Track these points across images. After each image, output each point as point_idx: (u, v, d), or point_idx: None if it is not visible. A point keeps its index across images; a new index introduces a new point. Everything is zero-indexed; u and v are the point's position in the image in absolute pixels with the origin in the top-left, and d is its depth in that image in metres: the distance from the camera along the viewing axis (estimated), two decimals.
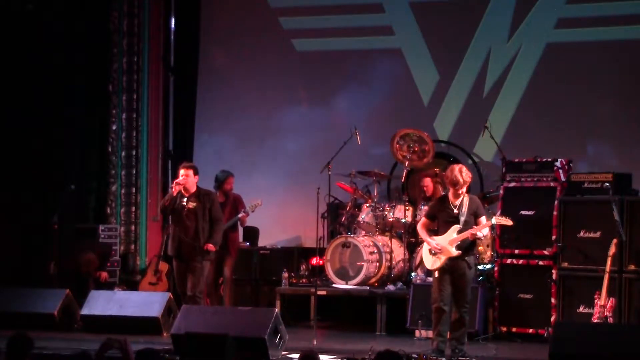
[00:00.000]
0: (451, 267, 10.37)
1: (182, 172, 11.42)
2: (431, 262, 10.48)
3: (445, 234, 10.40)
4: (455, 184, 10.34)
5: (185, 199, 11.29)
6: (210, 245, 11.33)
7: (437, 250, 10.37)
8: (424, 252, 10.66)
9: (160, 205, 11.70)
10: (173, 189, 11.33)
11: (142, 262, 15.28)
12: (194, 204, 11.28)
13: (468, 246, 10.40)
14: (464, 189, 10.41)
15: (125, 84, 15.44)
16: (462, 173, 10.33)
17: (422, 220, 10.87)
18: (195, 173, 11.47)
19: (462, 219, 10.34)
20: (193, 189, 11.37)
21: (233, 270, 12.97)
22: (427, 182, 13.15)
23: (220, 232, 11.56)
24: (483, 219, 10.47)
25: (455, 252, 10.31)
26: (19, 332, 7.38)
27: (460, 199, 10.40)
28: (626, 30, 13.54)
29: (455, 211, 10.38)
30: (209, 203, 11.37)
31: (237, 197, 12.91)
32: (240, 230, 13.83)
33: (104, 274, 13.73)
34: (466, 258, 10.37)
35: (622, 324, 11.05)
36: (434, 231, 10.65)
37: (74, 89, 15.19)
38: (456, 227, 10.34)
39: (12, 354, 7.14)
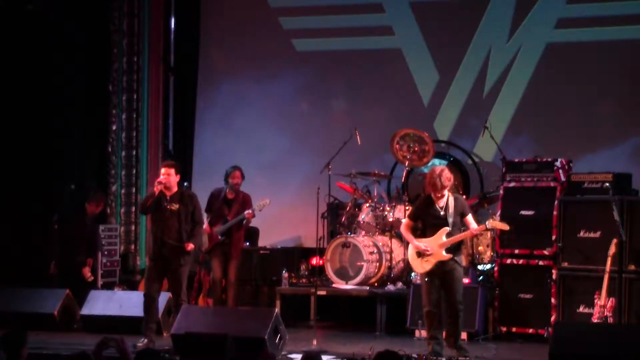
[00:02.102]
0: (441, 269, 10.23)
1: (163, 170, 11.12)
2: (420, 265, 10.33)
3: (433, 237, 10.24)
4: (435, 188, 10.19)
5: (167, 199, 11.04)
6: (191, 244, 11.04)
7: (427, 253, 10.23)
8: (410, 255, 10.46)
9: (140, 204, 11.38)
10: (155, 188, 11.04)
11: (142, 262, 15.27)
12: (177, 206, 11.02)
13: (456, 247, 10.31)
14: (445, 192, 10.26)
15: (125, 84, 15.45)
16: (441, 177, 10.14)
17: (405, 221, 10.66)
18: (177, 172, 11.17)
19: (450, 220, 10.19)
20: (174, 189, 11.09)
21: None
22: None
23: (201, 234, 11.40)
24: (470, 217, 10.33)
25: (446, 256, 10.18)
26: (11, 329, 7.40)
27: (444, 199, 10.25)
28: (626, 30, 13.55)
29: (442, 213, 10.23)
30: (192, 206, 11.13)
31: (247, 197, 12.69)
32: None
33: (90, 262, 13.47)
34: (455, 258, 10.24)
35: (622, 324, 11.05)
36: (420, 232, 10.47)
37: (74, 89, 15.20)
38: (445, 229, 10.19)
39: (7, 350, 7.16)
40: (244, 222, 12.56)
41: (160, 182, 11.01)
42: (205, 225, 12.41)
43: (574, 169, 12.21)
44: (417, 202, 10.85)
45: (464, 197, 12.01)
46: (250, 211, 12.46)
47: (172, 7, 15.81)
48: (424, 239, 10.33)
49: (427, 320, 10.35)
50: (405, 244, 13.03)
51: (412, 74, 14.57)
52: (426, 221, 10.39)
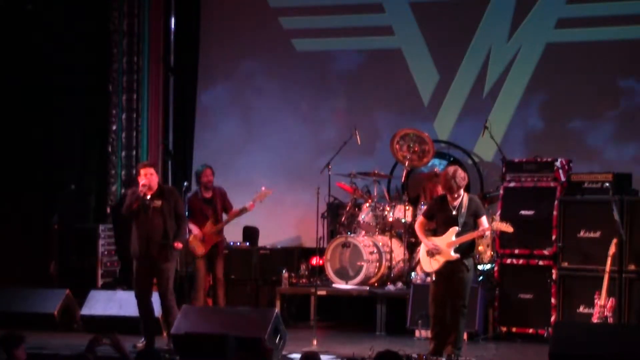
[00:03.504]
0: (449, 270, 10.20)
1: (143, 171, 11.02)
2: (429, 264, 10.33)
3: (443, 236, 10.22)
4: (451, 190, 10.20)
5: (148, 198, 10.95)
6: (180, 243, 11.01)
7: (434, 251, 10.22)
8: (422, 253, 10.47)
9: (125, 207, 11.30)
10: (139, 191, 10.96)
11: None
12: (159, 203, 10.96)
13: (466, 248, 10.23)
14: (461, 191, 10.30)
15: (125, 84, 15.45)
16: (455, 178, 10.13)
17: (420, 219, 10.66)
18: (157, 171, 11.21)
19: (461, 220, 10.16)
20: (154, 187, 11.05)
21: (233, 270, 12.91)
22: (440, 190, 13.02)
23: (186, 229, 11.40)
24: (484, 219, 10.30)
25: (453, 256, 10.15)
26: (7, 332, 7.43)
27: (459, 199, 10.24)
28: (626, 30, 13.54)
29: (454, 212, 10.20)
30: (173, 200, 11.09)
31: (222, 191, 12.69)
32: (240, 230, 13.85)
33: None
34: (464, 261, 10.19)
35: (622, 324, 11.05)
36: (433, 231, 10.56)
37: (74, 89, 15.20)
38: (455, 229, 10.16)
39: (6, 351, 7.19)
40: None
41: (145, 185, 10.98)
42: (197, 231, 12.42)
43: (573, 169, 12.21)
44: (432, 201, 10.90)
45: None
46: (251, 202, 12.50)
47: (172, 7, 15.79)
48: (434, 238, 10.34)
49: (431, 320, 10.35)
50: (405, 243, 13.05)
51: (412, 74, 14.56)
52: (439, 220, 10.38)
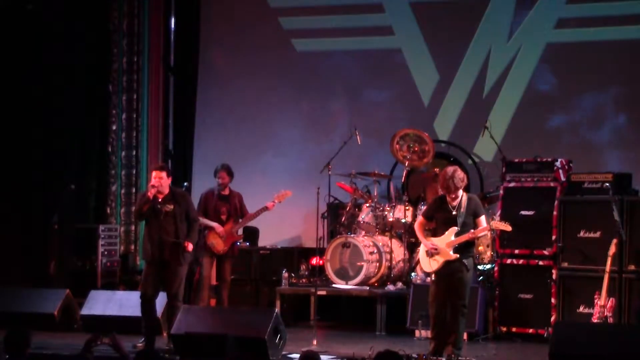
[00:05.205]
0: (448, 270, 10.20)
1: (154, 174, 11.04)
2: (428, 264, 10.34)
3: (442, 236, 10.23)
4: (448, 190, 10.21)
5: (160, 202, 10.97)
6: (190, 244, 11.03)
7: (433, 251, 10.23)
8: (421, 253, 10.48)
9: (136, 211, 11.25)
10: (149, 193, 10.96)
11: (142, 262, 15.26)
12: (171, 207, 10.98)
13: (465, 248, 10.23)
14: (459, 192, 10.30)
15: (125, 84, 15.46)
16: (454, 178, 10.12)
17: (419, 219, 10.67)
18: (168, 175, 11.12)
19: (460, 220, 10.16)
20: (166, 191, 11.05)
21: (233, 270, 12.91)
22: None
23: (197, 232, 11.43)
24: (482, 218, 10.29)
25: (452, 255, 10.15)
26: (16, 328, 7.41)
27: (458, 199, 10.24)
28: (626, 30, 13.55)
29: (454, 212, 10.20)
30: (185, 204, 11.12)
31: (239, 194, 12.80)
32: (240, 229, 13.84)
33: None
34: (464, 260, 10.18)
35: (622, 324, 11.05)
36: (432, 231, 10.56)
37: (74, 89, 15.20)
38: (454, 229, 10.16)
39: (10, 349, 7.17)
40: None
41: (153, 186, 10.98)
42: (220, 229, 12.41)
43: (574, 169, 12.21)
44: (432, 201, 10.89)
45: None
46: (272, 202, 12.57)
47: (172, 7, 15.82)
48: (433, 238, 10.34)
49: (431, 320, 10.35)
50: (405, 243, 13.05)
51: (412, 74, 14.57)
52: (438, 220, 10.38)
